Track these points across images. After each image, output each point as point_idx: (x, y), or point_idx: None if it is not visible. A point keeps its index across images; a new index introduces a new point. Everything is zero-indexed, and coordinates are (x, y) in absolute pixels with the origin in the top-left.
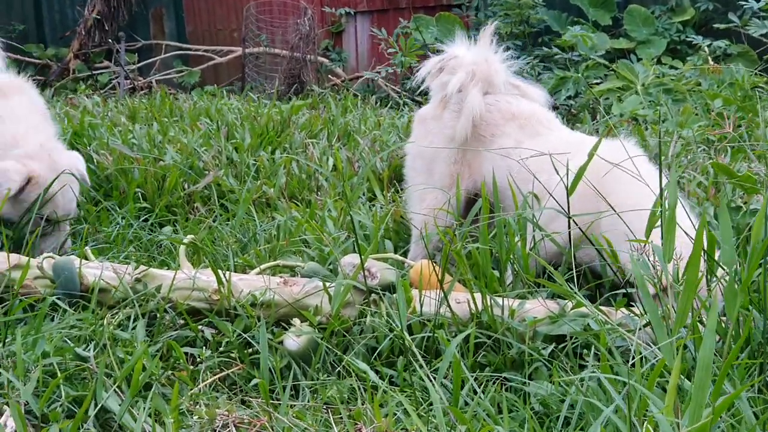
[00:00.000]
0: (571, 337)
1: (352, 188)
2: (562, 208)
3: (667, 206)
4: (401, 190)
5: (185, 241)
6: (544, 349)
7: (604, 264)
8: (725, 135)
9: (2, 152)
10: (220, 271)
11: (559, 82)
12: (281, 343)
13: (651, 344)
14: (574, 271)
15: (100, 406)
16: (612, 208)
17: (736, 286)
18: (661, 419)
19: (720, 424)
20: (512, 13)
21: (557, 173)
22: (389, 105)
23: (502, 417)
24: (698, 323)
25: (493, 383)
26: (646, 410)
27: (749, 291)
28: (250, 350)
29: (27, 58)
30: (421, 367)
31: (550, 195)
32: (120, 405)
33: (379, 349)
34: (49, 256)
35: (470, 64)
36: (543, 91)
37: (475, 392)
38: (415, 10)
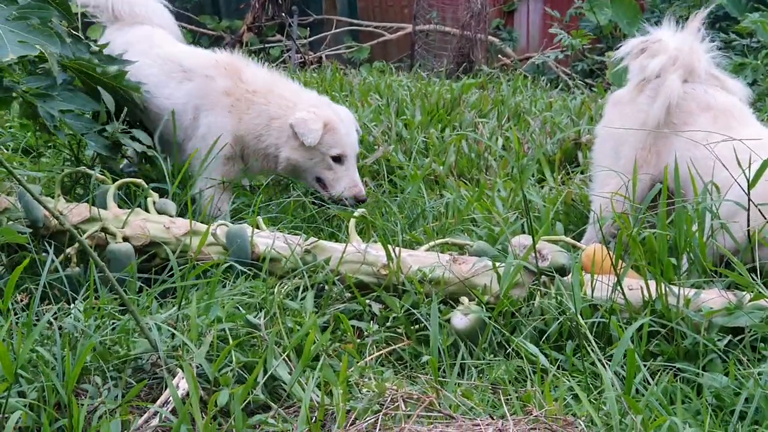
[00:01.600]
0: (749, 330)
1: (522, 169)
2: (742, 202)
3: None
4: (572, 173)
5: (356, 214)
6: (719, 340)
7: None
8: None
9: (283, 112)
10: (389, 246)
11: (737, 69)
12: (448, 321)
13: None
14: (757, 262)
15: (269, 373)
16: None
17: None
18: None
19: None
20: None
21: (741, 168)
22: (559, 87)
23: (675, 408)
24: None
25: (666, 373)
26: None
27: None
28: (417, 327)
29: (201, 29)
30: (593, 352)
31: (738, 184)
32: (289, 374)
33: (548, 333)
34: (223, 224)
35: (674, 49)
36: (744, 86)
37: (648, 381)
38: None
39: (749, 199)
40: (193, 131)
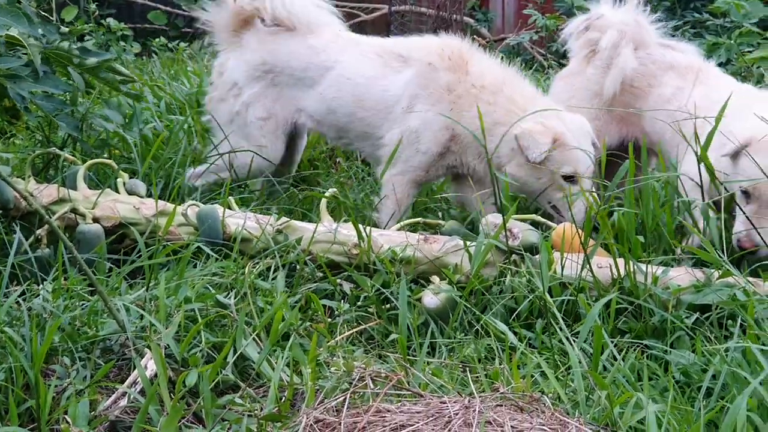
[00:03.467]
0: (715, 307)
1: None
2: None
3: None
4: None
5: (327, 194)
6: (687, 317)
7: None
8: None
9: (509, 118)
10: (360, 226)
11: (711, 49)
12: (419, 300)
13: None
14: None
15: (239, 353)
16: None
17: None
18: None
19: None
20: None
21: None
22: (534, 67)
23: (642, 384)
24: None
25: (633, 350)
26: None
27: None
28: (388, 306)
29: (177, 11)
30: (561, 329)
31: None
32: (259, 353)
33: (517, 311)
34: (194, 204)
35: (619, 23)
36: (695, 48)
37: (615, 358)
38: None
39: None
40: (402, 121)
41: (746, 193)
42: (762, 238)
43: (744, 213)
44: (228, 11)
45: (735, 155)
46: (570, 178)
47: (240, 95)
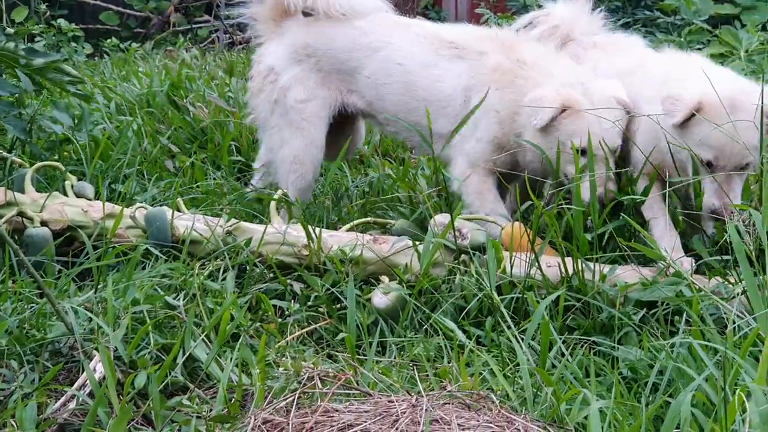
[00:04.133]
0: (662, 303)
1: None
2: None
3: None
4: None
5: (275, 196)
6: (634, 314)
7: None
8: None
9: (533, 86)
10: (309, 227)
11: (661, 46)
12: (369, 299)
13: (746, 313)
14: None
15: (188, 354)
16: None
17: None
18: (754, 388)
19: None
20: None
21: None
22: None
23: (590, 380)
24: None
25: (582, 347)
26: (737, 379)
27: None
28: (338, 306)
29: (128, 11)
30: (509, 327)
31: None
32: (208, 354)
33: (467, 309)
34: (142, 206)
35: (558, 18)
36: (638, 37)
37: (563, 355)
38: None
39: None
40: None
41: (708, 163)
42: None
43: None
44: (269, 3)
45: (684, 123)
46: (583, 151)
47: (277, 81)
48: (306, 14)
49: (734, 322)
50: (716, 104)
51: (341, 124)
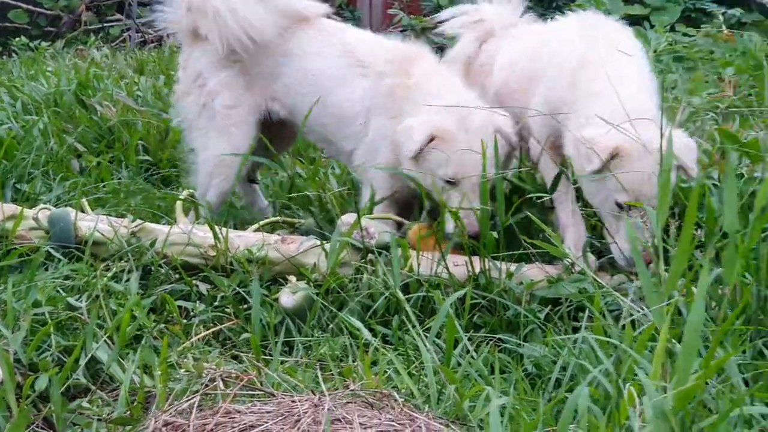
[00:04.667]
0: (566, 300)
1: None
2: None
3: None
4: None
5: (182, 196)
6: (540, 311)
7: None
8: (732, 102)
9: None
10: (216, 227)
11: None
12: (277, 299)
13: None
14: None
15: (89, 356)
16: None
17: (735, 252)
18: (646, 382)
19: (710, 389)
20: None
21: None
22: None
23: (495, 377)
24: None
25: (487, 344)
26: (634, 374)
27: (748, 258)
28: (245, 306)
29: (38, 9)
30: (414, 326)
31: None
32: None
33: (374, 308)
34: (45, 208)
35: (484, 14)
36: None
37: (468, 352)
38: None
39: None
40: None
41: (620, 206)
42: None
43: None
44: (185, 23)
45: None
46: (452, 183)
47: (205, 85)
48: None
49: (631, 316)
50: (632, 149)
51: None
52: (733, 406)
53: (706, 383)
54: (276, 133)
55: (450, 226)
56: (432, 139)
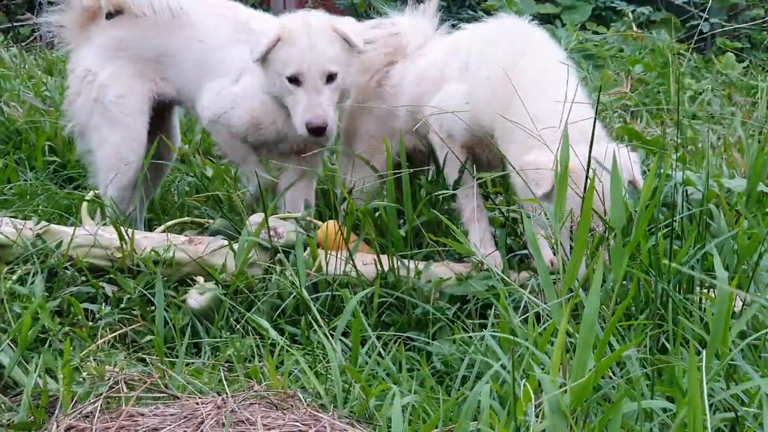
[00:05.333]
0: (474, 298)
1: None
2: None
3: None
4: None
5: (87, 197)
6: (448, 309)
7: None
8: (636, 101)
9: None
10: (122, 228)
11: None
12: (185, 301)
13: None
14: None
15: None
16: None
17: (622, 247)
18: (542, 378)
19: (613, 383)
20: None
21: None
22: None
23: (402, 375)
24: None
25: (396, 342)
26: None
27: (650, 254)
28: (153, 308)
29: None
30: (320, 326)
31: None
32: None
33: (282, 307)
34: None
35: (400, 28)
36: None
37: (375, 350)
38: None
39: None
40: None
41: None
42: None
43: None
44: (76, 8)
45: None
46: (294, 80)
47: (95, 80)
48: (109, 16)
49: (530, 311)
50: (578, 170)
51: (158, 122)
52: (620, 398)
53: (611, 377)
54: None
55: (296, 117)
56: (278, 40)
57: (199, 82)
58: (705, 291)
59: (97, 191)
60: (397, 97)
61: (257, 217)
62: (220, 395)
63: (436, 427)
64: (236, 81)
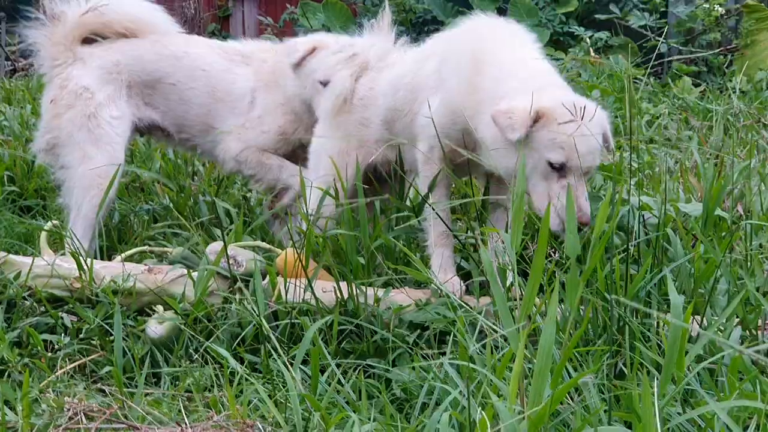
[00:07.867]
0: (431, 324)
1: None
2: None
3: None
4: None
5: (46, 227)
6: (408, 336)
7: None
8: None
9: None
10: (81, 258)
11: None
12: (144, 330)
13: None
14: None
15: None
16: None
17: (577, 275)
18: (499, 406)
19: (571, 410)
20: (392, 2)
21: None
22: None
23: (362, 403)
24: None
25: (355, 370)
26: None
27: (609, 281)
28: (112, 338)
29: None
30: (279, 355)
31: None
32: None
33: (241, 336)
34: None
35: (358, 48)
36: None
37: (334, 378)
38: None
39: None
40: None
41: (557, 167)
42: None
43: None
44: (66, 26)
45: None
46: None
47: (92, 98)
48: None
49: (488, 339)
50: (554, 109)
51: None
52: (583, 425)
53: (570, 403)
54: None
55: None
56: (313, 49)
57: (207, 108)
58: (662, 316)
59: (55, 221)
60: (367, 108)
61: (216, 245)
62: (179, 426)
63: None
64: (251, 104)
